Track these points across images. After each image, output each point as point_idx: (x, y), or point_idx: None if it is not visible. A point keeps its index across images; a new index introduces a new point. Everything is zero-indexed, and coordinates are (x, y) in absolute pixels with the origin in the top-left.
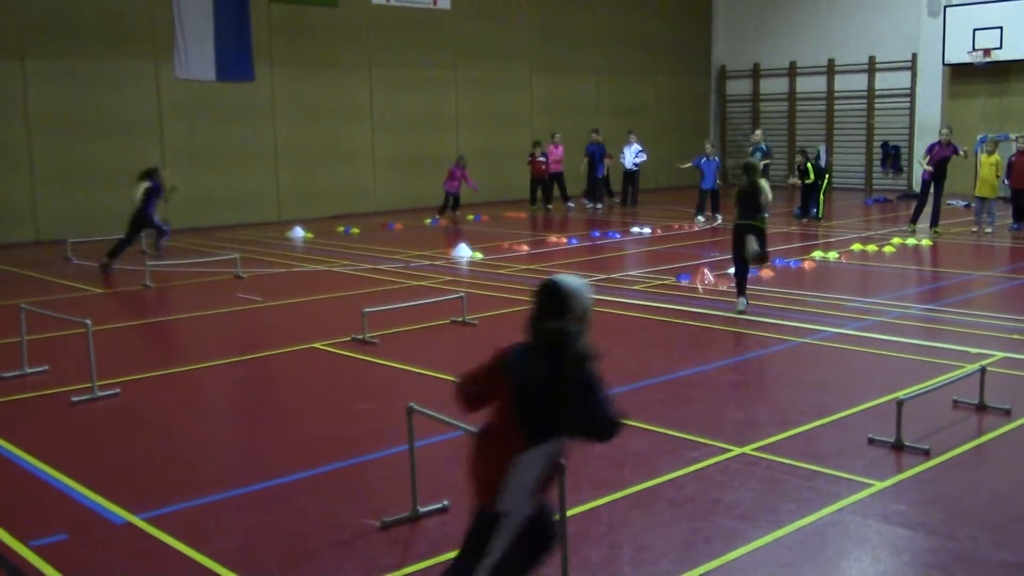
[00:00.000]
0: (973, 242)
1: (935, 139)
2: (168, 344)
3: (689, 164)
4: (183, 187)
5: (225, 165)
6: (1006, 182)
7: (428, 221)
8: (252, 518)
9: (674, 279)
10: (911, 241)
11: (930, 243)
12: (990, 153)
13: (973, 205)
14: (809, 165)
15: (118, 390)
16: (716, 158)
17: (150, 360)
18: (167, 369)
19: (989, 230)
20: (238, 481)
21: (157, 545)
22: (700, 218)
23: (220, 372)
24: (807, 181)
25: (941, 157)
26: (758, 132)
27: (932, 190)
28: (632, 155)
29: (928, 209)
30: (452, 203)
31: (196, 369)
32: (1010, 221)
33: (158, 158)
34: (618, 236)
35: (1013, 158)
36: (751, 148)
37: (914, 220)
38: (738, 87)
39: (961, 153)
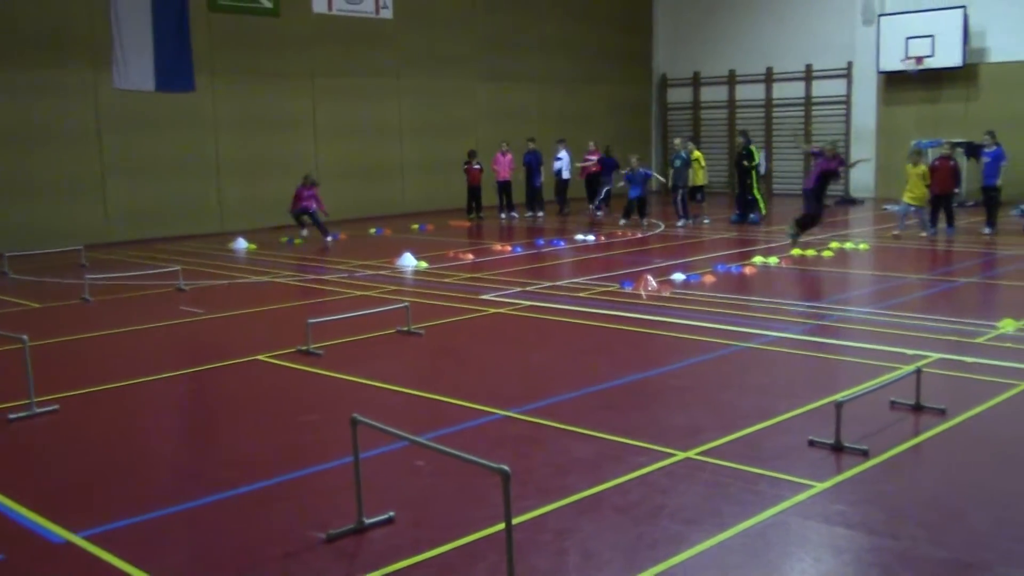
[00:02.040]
0: (904, 246)
1: (868, 147)
2: (108, 359)
3: (621, 184)
4: (123, 199)
5: (166, 176)
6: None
7: (372, 231)
8: (196, 533)
9: (618, 286)
10: (848, 245)
11: (867, 247)
12: (915, 164)
13: (912, 210)
14: (752, 148)
15: (57, 406)
16: (642, 169)
17: (90, 375)
18: (107, 384)
19: (925, 233)
20: (181, 496)
21: (98, 564)
22: (622, 221)
23: (162, 386)
24: (753, 164)
25: (826, 170)
26: (678, 140)
27: (816, 199)
28: (563, 164)
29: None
30: (314, 223)
31: (137, 383)
32: (943, 226)
33: (97, 169)
34: (563, 244)
35: (936, 162)
36: (672, 156)
37: (802, 227)
38: (679, 95)
39: (845, 167)
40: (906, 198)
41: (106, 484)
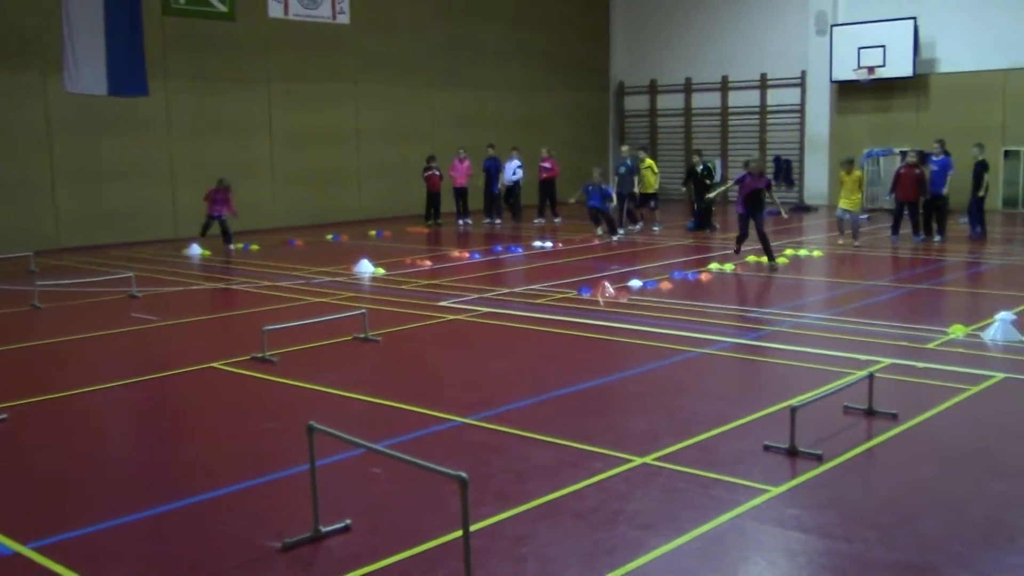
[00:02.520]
0: (857, 253)
1: (822, 155)
2: (59, 366)
3: (580, 193)
4: (75, 204)
5: (119, 181)
6: (889, 196)
7: (329, 237)
8: (150, 544)
9: (575, 292)
10: (802, 252)
11: (820, 254)
12: (849, 171)
13: (848, 217)
14: (710, 166)
15: (5, 415)
16: (604, 186)
17: (40, 383)
18: (58, 392)
19: (857, 243)
20: (135, 506)
21: None
22: (599, 231)
23: (114, 395)
24: (715, 182)
25: (753, 189)
26: (625, 147)
27: (752, 222)
28: (511, 171)
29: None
30: (221, 229)
31: (89, 392)
32: (906, 232)
33: (47, 174)
34: (520, 250)
35: (903, 170)
36: (618, 163)
37: (736, 251)
38: (636, 103)
39: (779, 207)
40: (843, 204)
41: (57, 494)
